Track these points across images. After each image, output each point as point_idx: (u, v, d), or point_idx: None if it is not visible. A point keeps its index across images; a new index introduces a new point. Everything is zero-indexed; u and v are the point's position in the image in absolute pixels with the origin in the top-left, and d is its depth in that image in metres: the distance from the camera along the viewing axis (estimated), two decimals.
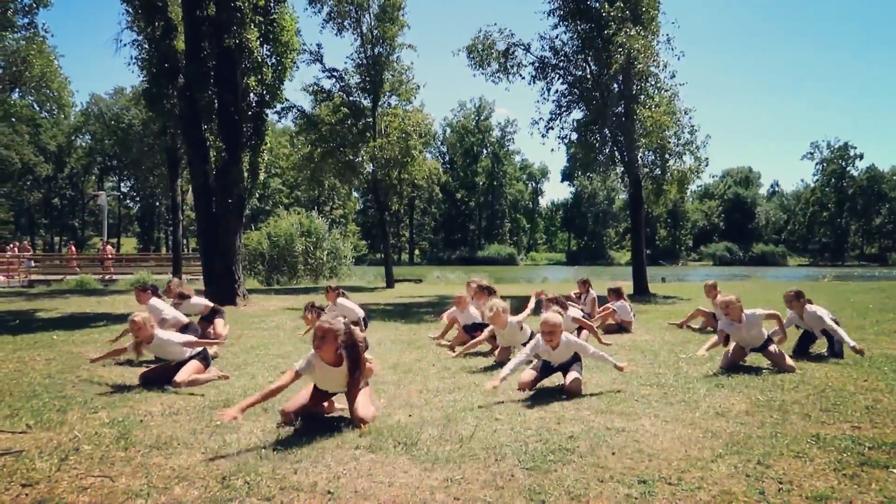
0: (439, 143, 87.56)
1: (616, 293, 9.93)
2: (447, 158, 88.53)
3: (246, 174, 14.22)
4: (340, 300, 9.27)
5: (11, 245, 32.89)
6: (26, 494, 3.22)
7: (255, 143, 14.20)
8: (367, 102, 23.26)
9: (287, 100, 21.25)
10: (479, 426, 4.42)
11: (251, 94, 14.26)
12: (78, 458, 3.75)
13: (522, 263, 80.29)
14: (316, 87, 23.36)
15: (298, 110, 22.71)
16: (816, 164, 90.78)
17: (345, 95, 23.13)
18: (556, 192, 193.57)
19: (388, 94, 23.61)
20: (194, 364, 6.01)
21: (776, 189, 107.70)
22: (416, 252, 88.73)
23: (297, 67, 18.98)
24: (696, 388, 5.62)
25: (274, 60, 14.33)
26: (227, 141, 13.78)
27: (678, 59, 21.23)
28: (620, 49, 16.36)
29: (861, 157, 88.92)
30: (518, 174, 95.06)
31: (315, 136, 22.57)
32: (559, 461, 3.68)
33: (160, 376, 5.85)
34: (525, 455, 3.78)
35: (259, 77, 14.04)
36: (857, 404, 5.05)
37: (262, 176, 14.95)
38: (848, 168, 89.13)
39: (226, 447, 3.95)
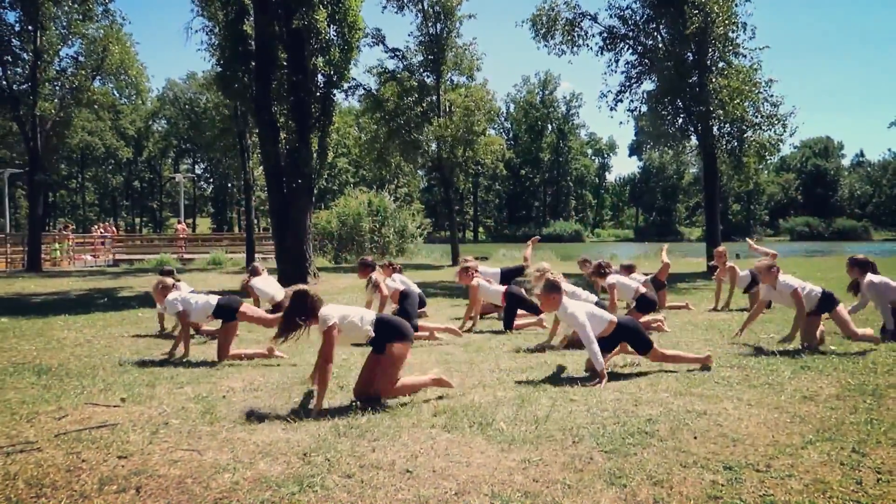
0: (503, 118, 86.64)
1: (627, 269, 9.54)
2: (511, 134, 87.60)
3: (315, 154, 14.44)
4: (395, 276, 8.90)
5: (97, 226, 34.67)
6: (122, 466, 3.38)
7: (323, 123, 14.39)
8: (430, 81, 23.20)
9: (354, 79, 21.43)
10: (555, 407, 4.37)
11: (319, 75, 14.43)
12: (168, 432, 3.91)
13: (589, 240, 79.00)
14: (379, 69, 23.46)
15: (365, 89, 22.89)
16: None
17: (409, 74, 23.13)
18: (623, 166, 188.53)
19: (451, 70, 23.48)
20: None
21: (861, 159, 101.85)
22: (481, 230, 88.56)
23: (360, 49, 19.05)
24: (780, 371, 5.40)
25: (341, 41, 14.41)
26: (297, 122, 14.01)
27: (749, 18, 19.27)
28: (696, 11, 15.65)
29: None
30: (584, 149, 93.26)
31: (381, 116, 22.70)
32: (639, 444, 3.60)
33: None
34: (603, 437, 3.72)
35: (327, 58, 14.18)
36: (888, 381, 4.76)
37: (330, 156, 15.17)
38: None
39: (304, 424, 4.04)
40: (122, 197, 78.01)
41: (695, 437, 3.71)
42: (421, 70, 23.83)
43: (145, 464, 3.40)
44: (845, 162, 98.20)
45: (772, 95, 16.86)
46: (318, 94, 14.30)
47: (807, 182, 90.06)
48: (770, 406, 4.35)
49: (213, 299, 6.33)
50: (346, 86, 19.30)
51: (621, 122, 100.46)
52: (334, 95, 14.83)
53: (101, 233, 30.66)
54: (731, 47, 17.05)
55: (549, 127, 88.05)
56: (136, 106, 61.42)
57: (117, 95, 26.18)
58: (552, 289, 5.30)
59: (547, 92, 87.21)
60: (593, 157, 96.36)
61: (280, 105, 14.47)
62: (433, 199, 76.21)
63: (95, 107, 25.15)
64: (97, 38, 21.02)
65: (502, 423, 3.99)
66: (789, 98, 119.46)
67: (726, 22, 16.15)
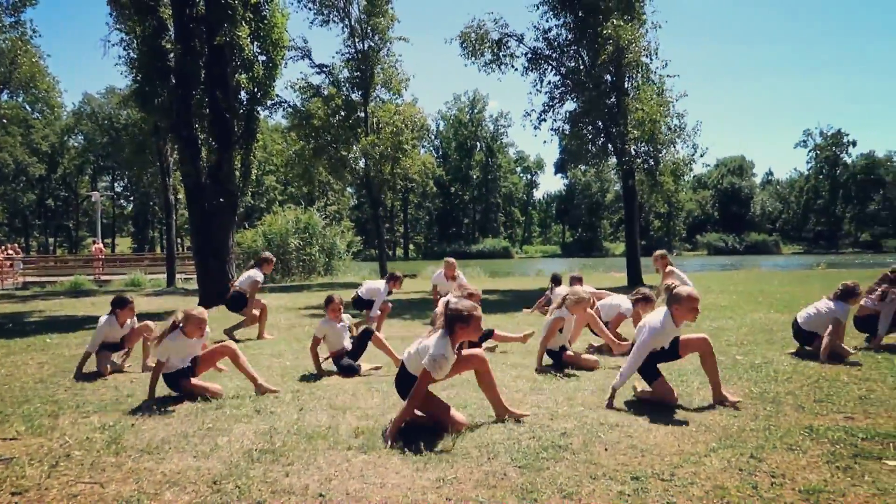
0: (433, 136, 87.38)
1: (578, 281, 9.81)
2: (441, 152, 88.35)
3: (238, 172, 14.15)
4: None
5: (4, 247, 32.73)
6: (16, 503, 3.19)
7: (246, 140, 14.13)
8: (357, 97, 23.18)
9: (278, 95, 21.18)
10: (473, 423, 4.40)
11: (242, 92, 14.19)
12: (68, 465, 3.72)
13: (517, 256, 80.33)
14: (304, 83, 23.28)
15: (289, 106, 22.64)
16: (809, 151, 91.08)
17: (335, 90, 23.05)
18: (550, 184, 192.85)
19: (378, 87, 23.54)
20: None
21: (770, 177, 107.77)
22: (411, 247, 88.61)
23: (286, 64, 18.90)
24: (690, 381, 5.63)
25: (265, 57, 14.23)
26: (219, 139, 13.70)
27: (657, 30, 19.16)
28: (610, 41, 16.32)
29: (854, 143, 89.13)
30: (512, 167, 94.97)
31: (306, 132, 22.49)
32: (552, 458, 3.67)
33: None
34: (518, 453, 3.77)
35: (250, 74, 13.96)
36: (851, 394, 5.06)
37: (254, 173, 14.89)
38: (841, 155, 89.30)
39: (217, 450, 3.93)
40: (34, 216, 73.92)
41: (605, 450, 3.82)
42: (348, 86, 23.79)
43: (41, 499, 3.23)
44: (757, 180, 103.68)
45: (679, 114, 17.68)
46: (241, 111, 14.04)
47: (722, 199, 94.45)
48: (679, 416, 4.52)
49: None
50: (269, 102, 19.05)
51: (545, 141, 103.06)
52: (258, 112, 14.59)
53: (8, 254, 28.94)
54: (644, 73, 17.84)
55: (479, 145, 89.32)
56: (50, 120, 58.68)
57: (28, 109, 24.95)
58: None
59: (476, 111, 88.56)
60: (521, 175, 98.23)
61: (201, 122, 14.13)
62: (363, 216, 75.78)
63: (4, 121, 23.88)
64: (4, 50, 20.02)
65: (421, 442, 3.99)
66: (705, 118, 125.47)
67: (636, 50, 16.87)
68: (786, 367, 6.09)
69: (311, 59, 23.41)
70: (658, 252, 9.62)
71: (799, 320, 6.91)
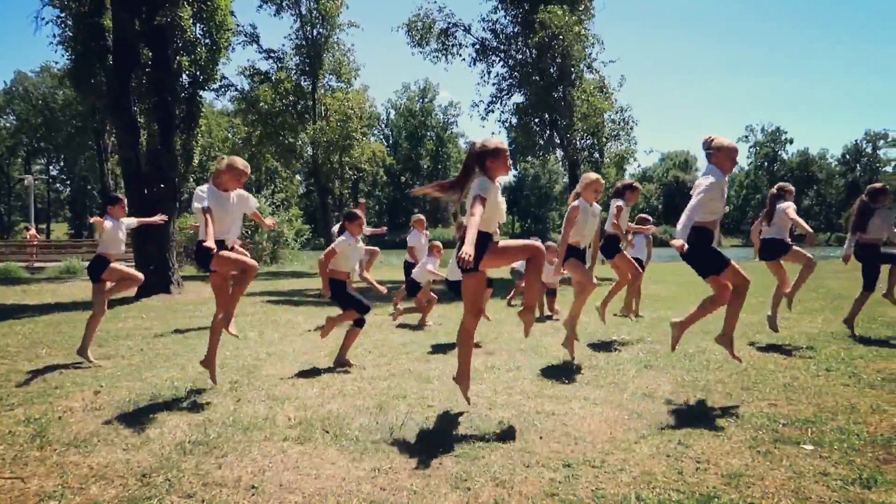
0: (383, 125, 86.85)
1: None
2: (391, 141, 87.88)
3: (179, 157, 13.77)
4: None
5: None
6: None
7: (188, 125, 13.77)
8: (306, 84, 22.83)
9: (225, 78, 20.68)
10: (411, 413, 4.42)
11: (184, 75, 13.80)
12: None
13: None
14: (252, 70, 22.80)
15: (236, 90, 22.15)
16: (750, 147, 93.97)
17: (284, 77, 22.65)
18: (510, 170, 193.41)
19: (328, 75, 23.23)
20: None
21: None
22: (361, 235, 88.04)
23: (233, 48, 18.47)
24: (626, 370, 5.77)
25: (208, 40, 13.86)
26: (160, 123, 13.30)
27: (592, 20, 19.48)
28: (542, 28, 16.47)
29: (791, 141, 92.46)
30: (462, 156, 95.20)
31: (254, 118, 22.05)
32: (488, 447, 3.72)
33: None
34: (455, 442, 3.81)
35: (193, 57, 13.59)
36: (776, 382, 5.26)
37: (196, 159, 14.52)
38: (780, 152, 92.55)
39: (148, 443, 3.84)
40: None
41: (540, 438, 3.89)
42: (297, 73, 23.40)
43: None
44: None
45: (622, 108, 18.05)
46: (183, 94, 13.65)
47: (667, 192, 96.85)
48: (613, 404, 4.64)
49: None
50: (215, 86, 18.59)
51: (493, 132, 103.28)
52: (201, 96, 14.22)
53: None
54: (585, 62, 18.09)
55: (429, 134, 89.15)
56: None
57: None
58: None
59: (426, 100, 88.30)
60: None
61: (141, 105, 13.68)
62: (312, 204, 74.88)
63: None
64: None
65: (357, 433, 3.99)
66: (650, 113, 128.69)
67: (570, 37, 17.00)
68: (717, 357, 6.30)
69: (258, 44, 22.92)
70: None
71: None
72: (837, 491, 3.08)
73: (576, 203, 6.05)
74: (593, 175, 6.24)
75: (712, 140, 4.99)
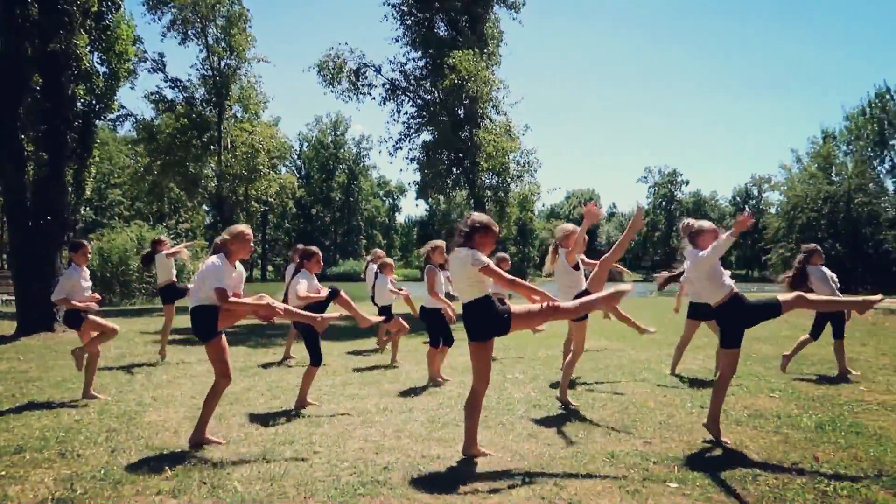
0: (295, 156, 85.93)
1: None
2: (303, 173, 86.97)
3: (70, 188, 13.12)
4: None
5: None
6: None
7: (81, 155, 13.17)
8: (212, 115, 22.38)
9: (124, 107, 19.98)
10: (296, 460, 4.38)
11: (79, 103, 13.23)
12: None
13: None
14: (158, 97, 22.15)
15: (136, 119, 21.39)
16: (650, 187, 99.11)
17: (189, 107, 22.10)
18: (412, 208, 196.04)
19: (234, 107, 22.87)
20: None
21: (615, 211, 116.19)
22: (270, 268, 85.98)
23: (137, 75, 17.98)
24: (514, 410, 5.93)
25: (106, 69, 13.40)
26: (50, 152, 12.64)
27: (499, 65, 20.51)
28: (451, 72, 17.00)
29: (687, 182, 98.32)
30: (374, 190, 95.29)
31: (154, 147, 21.32)
32: (369, 494, 3.74)
33: None
34: (336, 490, 3.80)
35: (89, 86, 13.07)
36: (653, 420, 5.55)
37: (88, 190, 13.89)
38: (676, 193, 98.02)
39: (5, 502, 3.62)
40: None
41: (422, 483, 3.94)
42: (203, 103, 22.92)
43: None
44: (604, 211, 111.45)
45: (527, 151, 18.77)
46: (76, 123, 13.08)
47: None
48: (497, 446, 4.76)
49: None
50: (112, 115, 17.92)
51: (401, 170, 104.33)
52: (96, 126, 13.66)
53: None
54: (492, 104, 18.74)
55: (341, 167, 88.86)
56: None
57: None
58: None
59: (338, 133, 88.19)
60: (384, 199, 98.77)
61: (30, 133, 12.99)
62: (218, 236, 72.64)
63: None
64: None
65: (237, 483, 3.92)
66: (557, 151, 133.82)
67: (480, 81, 17.63)
68: (602, 395, 6.59)
69: (164, 72, 22.33)
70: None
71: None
72: None
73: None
74: (569, 226, 6.68)
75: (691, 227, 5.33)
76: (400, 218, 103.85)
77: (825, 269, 7.74)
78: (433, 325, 7.43)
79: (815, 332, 7.95)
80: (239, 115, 23.38)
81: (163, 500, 3.65)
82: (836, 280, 7.79)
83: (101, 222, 60.74)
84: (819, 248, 7.88)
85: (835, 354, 7.82)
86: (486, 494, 3.75)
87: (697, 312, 8.00)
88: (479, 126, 18.18)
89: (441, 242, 7.55)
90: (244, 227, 5.04)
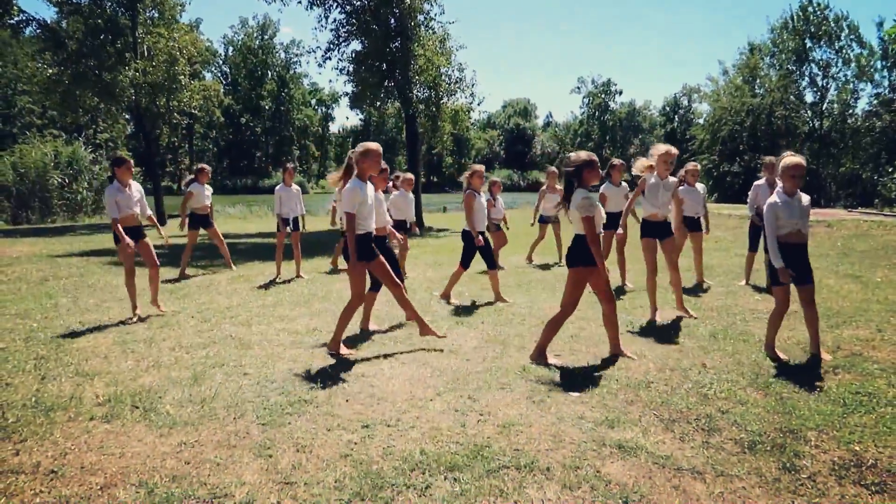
0: (220, 62, 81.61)
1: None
2: (229, 80, 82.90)
3: None
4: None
5: None
6: None
7: None
8: (125, 18, 20.89)
9: (24, 12, 18.46)
10: (226, 383, 4.57)
11: None
12: None
13: (313, 192, 78.98)
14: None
15: (39, 24, 19.77)
16: (583, 97, 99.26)
17: (98, 9, 20.51)
18: (346, 117, 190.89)
19: (149, 9, 21.38)
20: None
21: (550, 120, 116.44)
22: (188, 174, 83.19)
23: None
24: (439, 327, 6.23)
25: None
26: None
27: None
28: None
29: (621, 92, 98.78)
30: (307, 99, 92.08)
31: (63, 56, 19.88)
32: (296, 413, 3.99)
33: None
34: (264, 410, 4.03)
35: None
36: (565, 333, 5.96)
37: None
38: (610, 103, 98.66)
39: None
40: None
41: (346, 400, 4.22)
42: (114, 4, 21.31)
43: None
44: (539, 122, 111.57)
45: (460, 65, 18.52)
46: None
47: (509, 139, 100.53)
48: (419, 362, 5.07)
49: None
50: (13, 20, 16.59)
51: (330, 80, 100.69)
52: None
53: None
54: (424, 18, 18.26)
55: (270, 74, 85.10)
56: None
57: None
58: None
59: (266, 37, 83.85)
60: (316, 108, 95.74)
61: None
62: (142, 145, 69.41)
63: None
64: None
65: (168, 407, 4.09)
66: (492, 60, 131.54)
67: None
68: (522, 310, 6.97)
69: None
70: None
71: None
72: (587, 432, 3.69)
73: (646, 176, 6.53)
74: (662, 147, 6.57)
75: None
76: (333, 128, 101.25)
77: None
78: (467, 248, 7.52)
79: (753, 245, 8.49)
80: (155, 19, 21.88)
81: (95, 426, 3.80)
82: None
83: (11, 133, 56.98)
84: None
85: (746, 264, 8.50)
86: (404, 409, 4.06)
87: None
88: (410, 39, 17.72)
89: (480, 167, 7.53)
90: (372, 145, 5.29)
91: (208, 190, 9.81)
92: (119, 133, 72.03)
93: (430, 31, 18.40)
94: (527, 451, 3.45)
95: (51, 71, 20.34)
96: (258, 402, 4.18)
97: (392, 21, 18.01)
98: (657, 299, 6.68)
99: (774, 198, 4.94)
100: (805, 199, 5.00)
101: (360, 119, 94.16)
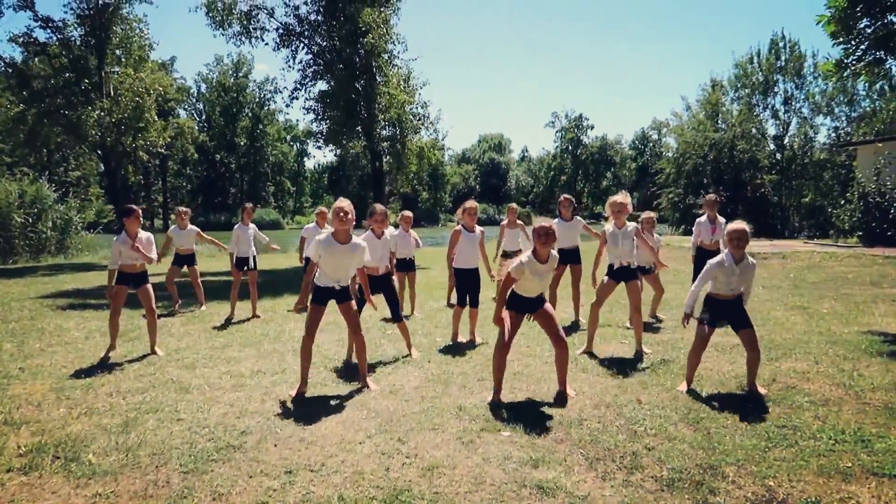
0: (194, 99, 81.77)
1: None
2: (204, 116, 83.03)
3: None
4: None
5: None
6: None
7: None
8: (92, 58, 20.95)
9: None
10: (157, 429, 4.51)
11: None
12: None
13: (288, 228, 78.79)
14: (27, 38, 20.47)
15: (5, 62, 19.74)
16: (557, 132, 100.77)
17: (65, 49, 20.55)
18: (321, 153, 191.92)
19: (117, 51, 21.48)
20: None
21: (526, 154, 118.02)
22: (172, 216, 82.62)
23: (2, 13, 16.64)
24: (385, 366, 6.23)
25: None
26: None
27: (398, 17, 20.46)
28: (349, 20, 16.71)
29: (592, 127, 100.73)
30: (282, 135, 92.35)
31: (27, 94, 19.82)
32: (221, 460, 3.94)
33: None
34: (189, 457, 3.98)
35: None
36: (510, 370, 5.96)
37: None
38: (582, 137, 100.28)
39: None
40: None
41: (275, 445, 4.18)
42: (81, 46, 21.37)
43: None
44: (514, 156, 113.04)
45: (424, 103, 18.82)
46: None
47: (484, 173, 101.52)
48: (357, 404, 5.05)
49: None
50: None
51: (297, 120, 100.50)
52: None
53: None
54: (388, 58, 18.58)
55: (245, 111, 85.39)
56: None
57: None
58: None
59: (240, 74, 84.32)
60: (292, 144, 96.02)
61: None
62: (114, 182, 68.73)
63: None
64: None
65: (91, 456, 4.03)
66: (466, 93, 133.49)
67: (378, 34, 17.47)
68: (470, 348, 6.99)
69: (33, 10, 20.60)
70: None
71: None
72: (510, 473, 3.70)
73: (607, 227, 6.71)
74: (613, 198, 6.75)
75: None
76: (309, 164, 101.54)
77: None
78: (460, 285, 7.45)
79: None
80: (122, 59, 21.95)
81: (11, 478, 3.73)
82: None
83: None
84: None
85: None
86: (331, 453, 4.04)
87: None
88: (374, 78, 17.99)
89: (471, 204, 7.57)
90: (338, 203, 5.45)
91: (191, 231, 10.15)
92: (91, 171, 71.46)
93: (395, 69, 18.71)
94: (446, 493, 3.45)
95: (15, 110, 20.22)
96: (184, 448, 4.13)
97: (356, 60, 18.28)
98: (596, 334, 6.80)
99: (721, 258, 5.08)
100: (751, 262, 5.11)
101: (336, 155, 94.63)
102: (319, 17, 18.66)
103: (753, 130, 32.95)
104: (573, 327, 8.23)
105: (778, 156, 34.13)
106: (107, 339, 7.28)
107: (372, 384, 5.51)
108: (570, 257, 8.49)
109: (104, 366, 6.50)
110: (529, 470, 3.74)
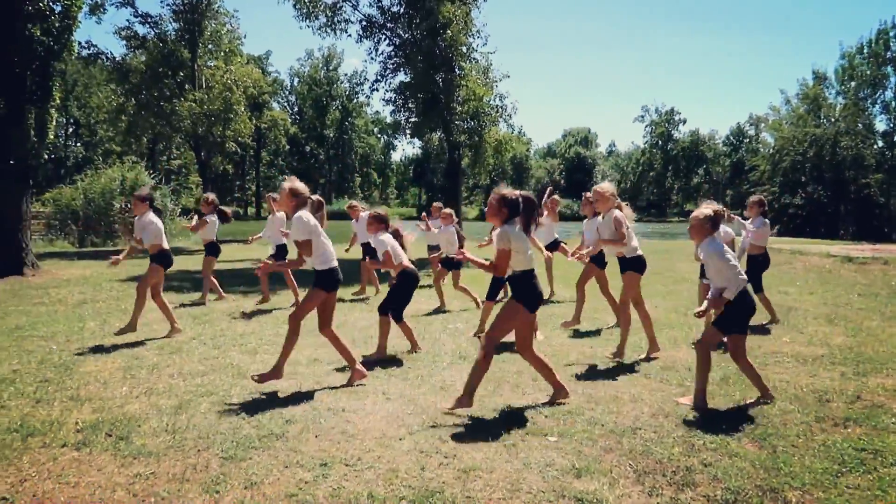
0: (286, 92, 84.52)
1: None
2: (295, 109, 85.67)
3: (32, 132, 13.04)
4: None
5: None
6: None
7: (41, 97, 13.01)
8: (186, 52, 21.93)
9: (95, 46, 19.61)
10: (206, 413, 4.58)
11: (36, 45, 12.98)
12: None
13: None
14: (129, 33, 21.65)
15: (107, 58, 20.96)
16: (646, 126, 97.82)
17: (161, 43, 21.60)
18: (408, 145, 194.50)
19: (209, 45, 22.38)
20: None
21: (613, 149, 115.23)
22: (264, 205, 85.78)
23: (105, 9, 17.63)
24: (440, 361, 6.14)
25: (60, 8, 13.08)
26: (8, 97, 12.47)
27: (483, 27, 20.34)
28: (430, 14, 16.66)
29: (685, 121, 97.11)
30: (369, 127, 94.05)
31: (127, 87, 20.98)
32: (261, 447, 3.95)
33: None
34: (231, 443, 4.01)
35: (45, 26, 12.81)
36: (566, 373, 5.75)
37: (51, 134, 13.79)
38: (673, 132, 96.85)
39: None
40: None
41: (316, 436, 4.15)
42: (175, 40, 22.42)
43: None
44: (601, 150, 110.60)
45: (501, 95, 18.58)
46: (34, 65, 12.85)
47: (569, 167, 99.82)
48: (405, 399, 4.97)
49: None
50: (84, 53, 17.62)
51: (377, 111, 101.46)
52: (54, 68, 13.44)
53: None
54: (467, 51, 18.44)
55: (334, 104, 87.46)
56: None
57: None
58: None
59: (331, 68, 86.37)
60: (379, 136, 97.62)
61: None
62: (214, 172, 72.09)
63: None
64: None
65: (141, 435, 4.13)
66: (552, 88, 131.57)
67: (457, 28, 17.33)
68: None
69: (133, 6, 21.74)
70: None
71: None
72: (549, 481, 3.51)
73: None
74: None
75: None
76: (396, 156, 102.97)
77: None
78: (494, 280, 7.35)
79: (755, 285, 8.06)
80: (213, 52, 22.87)
81: (63, 453, 3.86)
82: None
83: (92, 158, 60.33)
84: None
85: (763, 305, 8.03)
86: (369, 448, 3.96)
87: None
88: (453, 70, 17.91)
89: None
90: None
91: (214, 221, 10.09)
92: (191, 159, 75.11)
93: (474, 62, 18.58)
94: (478, 498, 3.31)
95: (117, 102, 21.46)
96: (228, 434, 4.17)
97: (437, 52, 18.25)
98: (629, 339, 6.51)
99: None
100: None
101: (420, 148, 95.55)
102: (401, 9, 18.74)
103: (860, 126, 30.69)
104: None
105: (887, 153, 31.66)
106: (182, 320, 7.57)
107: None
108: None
109: (172, 347, 6.73)
110: (571, 479, 3.54)
